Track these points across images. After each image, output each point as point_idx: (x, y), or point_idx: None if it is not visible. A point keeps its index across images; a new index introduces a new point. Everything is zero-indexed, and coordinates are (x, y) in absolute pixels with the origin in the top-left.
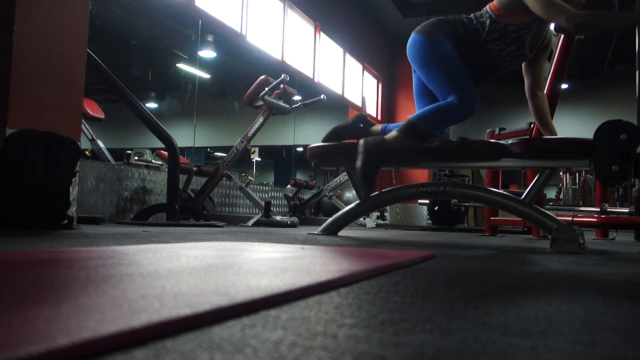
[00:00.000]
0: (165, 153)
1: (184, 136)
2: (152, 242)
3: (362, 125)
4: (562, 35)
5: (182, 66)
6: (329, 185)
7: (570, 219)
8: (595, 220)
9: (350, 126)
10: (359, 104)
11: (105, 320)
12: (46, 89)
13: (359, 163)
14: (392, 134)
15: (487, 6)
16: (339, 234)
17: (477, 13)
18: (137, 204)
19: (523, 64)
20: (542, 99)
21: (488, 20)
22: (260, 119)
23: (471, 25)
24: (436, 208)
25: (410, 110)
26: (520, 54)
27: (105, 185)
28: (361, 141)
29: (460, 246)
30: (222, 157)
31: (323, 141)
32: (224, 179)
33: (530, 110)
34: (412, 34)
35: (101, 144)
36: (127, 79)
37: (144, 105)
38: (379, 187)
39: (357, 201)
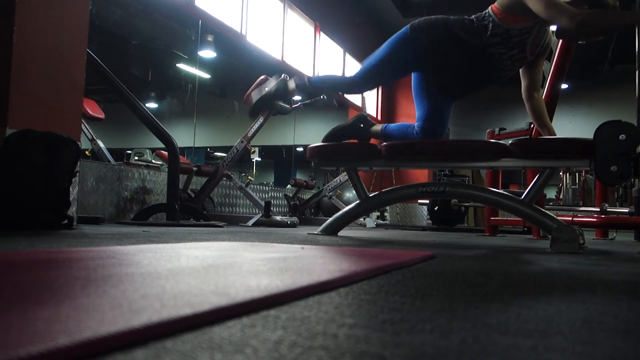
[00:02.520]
0: (165, 153)
1: (184, 136)
2: (152, 242)
3: (362, 125)
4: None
5: (182, 66)
6: (329, 185)
7: (570, 219)
8: (595, 220)
9: (351, 126)
10: (359, 104)
11: (105, 320)
12: (46, 89)
13: (266, 90)
14: (291, 82)
15: (489, 8)
16: (339, 234)
17: (479, 15)
18: (137, 204)
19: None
20: (539, 100)
21: (491, 24)
22: (260, 119)
23: (472, 28)
24: (436, 208)
25: (410, 110)
26: (520, 58)
27: (105, 185)
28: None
29: (460, 246)
30: (222, 157)
31: (323, 141)
32: (224, 179)
33: (527, 112)
34: (410, 23)
35: (101, 144)
36: (127, 79)
37: (144, 105)
38: (379, 187)
39: (357, 201)
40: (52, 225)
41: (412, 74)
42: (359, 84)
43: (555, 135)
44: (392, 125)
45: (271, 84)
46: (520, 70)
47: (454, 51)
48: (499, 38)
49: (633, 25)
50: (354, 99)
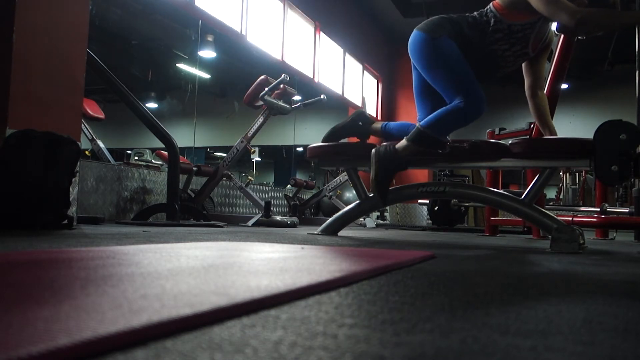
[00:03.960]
0: (165, 153)
1: (184, 136)
2: (152, 242)
3: (361, 123)
4: (563, 35)
5: (182, 66)
6: (329, 185)
7: (570, 219)
8: (595, 220)
9: (350, 124)
10: (359, 104)
11: (105, 320)
12: (46, 89)
13: (372, 174)
14: (403, 143)
15: (491, 5)
16: (339, 234)
17: (481, 11)
18: (137, 204)
19: (523, 64)
20: (542, 99)
21: (492, 20)
22: (260, 119)
23: (475, 25)
24: (436, 208)
25: (410, 110)
26: (523, 54)
27: (105, 185)
28: (373, 151)
29: (460, 246)
30: (222, 157)
31: (323, 141)
32: (224, 179)
33: (530, 110)
34: (415, 31)
35: (101, 144)
36: (127, 79)
37: (144, 105)
38: None
39: (357, 201)
40: (52, 225)
41: (413, 73)
42: (469, 101)
43: (556, 134)
44: (392, 123)
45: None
46: (523, 67)
47: (462, 48)
48: (501, 34)
49: (632, 25)
50: (355, 99)
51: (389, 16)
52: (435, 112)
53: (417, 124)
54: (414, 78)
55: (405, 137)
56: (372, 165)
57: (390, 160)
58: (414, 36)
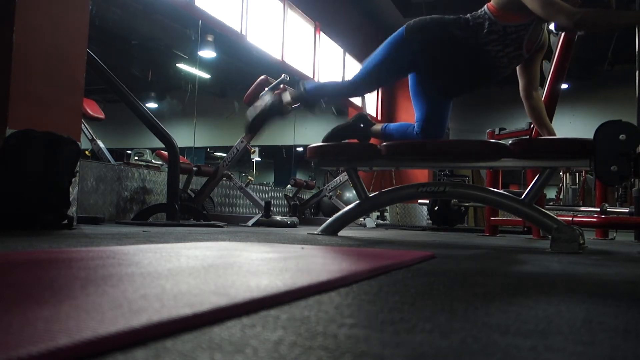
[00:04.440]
0: (165, 153)
1: (184, 136)
2: (152, 242)
3: (362, 125)
4: (562, 35)
5: (182, 66)
6: (329, 185)
7: (570, 219)
8: (595, 220)
9: (351, 126)
10: (359, 104)
11: (105, 320)
12: (46, 89)
13: (254, 113)
14: (287, 97)
15: (485, 6)
16: (339, 234)
17: (475, 13)
18: (137, 204)
19: (518, 66)
20: (537, 99)
21: (487, 22)
22: None
23: (468, 27)
24: (436, 208)
25: (410, 110)
26: (517, 55)
27: (105, 185)
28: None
29: (460, 246)
30: (222, 157)
31: (323, 141)
32: (224, 179)
33: (526, 111)
34: (406, 24)
35: (101, 144)
36: (127, 79)
37: (144, 105)
38: (379, 187)
39: (357, 201)
40: (52, 225)
41: (409, 75)
42: (358, 87)
43: (554, 134)
44: (392, 124)
45: (265, 99)
46: (518, 69)
47: (451, 50)
48: (495, 35)
49: (630, 25)
50: (354, 99)
51: (389, 16)
52: (323, 82)
53: (304, 84)
54: (410, 79)
55: (291, 93)
56: (258, 107)
57: (274, 109)
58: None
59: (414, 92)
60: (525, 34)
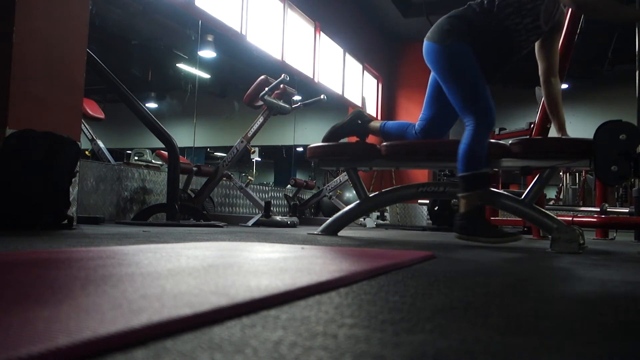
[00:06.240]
0: (165, 153)
1: (184, 136)
2: (152, 242)
3: (359, 122)
4: (563, 35)
5: (182, 66)
6: (329, 185)
7: (570, 219)
8: (595, 220)
9: (348, 123)
10: (359, 104)
11: (105, 320)
12: (46, 89)
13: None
14: (462, 201)
15: None
16: (339, 234)
17: None
18: (137, 204)
19: (536, 47)
20: (556, 86)
21: None
22: (260, 119)
23: (482, 8)
24: (436, 208)
25: (410, 110)
26: (535, 27)
27: (105, 185)
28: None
29: (460, 246)
30: (222, 157)
31: (323, 141)
32: (224, 179)
33: (542, 94)
34: (425, 41)
35: (101, 144)
36: (127, 79)
37: (144, 105)
38: (379, 187)
39: (357, 201)
40: (52, 225)
41: (430, 75)
42: (481, 116)
43: (564, 126)
44: (390, 122)
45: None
46: (537, 51)
47: (479, 39)
48: (511, 8)
49: (629, 20)
50: (355, 99)
51: (389, 16)
52: (459, 153)
53: (458, 174)
54: (430, 79)
55: (458, 195)
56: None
57: (476, 219)
58: (425, 47)
59: (430, 92)
60: (542, 4)
